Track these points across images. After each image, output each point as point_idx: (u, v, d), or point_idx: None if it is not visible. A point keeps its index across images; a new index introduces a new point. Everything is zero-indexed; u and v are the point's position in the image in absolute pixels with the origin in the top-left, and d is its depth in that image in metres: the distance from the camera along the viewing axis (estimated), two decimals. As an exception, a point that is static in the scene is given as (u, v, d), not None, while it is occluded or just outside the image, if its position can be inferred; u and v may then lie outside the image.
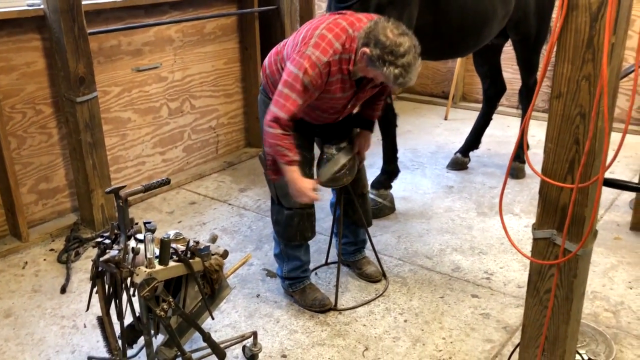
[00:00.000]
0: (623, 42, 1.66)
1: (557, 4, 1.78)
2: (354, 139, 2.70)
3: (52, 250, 3.36)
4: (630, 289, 2.90)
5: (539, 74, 4.16)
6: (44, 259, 3.26)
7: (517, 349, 2.09)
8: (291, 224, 2.65)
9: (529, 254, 1.90)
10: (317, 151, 2.73)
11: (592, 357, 2.40)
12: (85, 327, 2.69)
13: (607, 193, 3.76)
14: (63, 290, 2.96)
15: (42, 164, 3.52)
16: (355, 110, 2.71)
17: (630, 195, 3.71)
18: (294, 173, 2.39)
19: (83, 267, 3.16)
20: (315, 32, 2.31)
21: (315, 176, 2.67)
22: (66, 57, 3.20)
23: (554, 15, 3.97)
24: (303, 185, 2.41)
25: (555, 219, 1.78)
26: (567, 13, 1.58)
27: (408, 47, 2.21)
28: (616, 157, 1.58)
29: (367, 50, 2.22)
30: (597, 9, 1.53)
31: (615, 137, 1.54)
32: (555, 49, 1.65)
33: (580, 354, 2.33)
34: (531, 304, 1.94)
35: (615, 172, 4.11)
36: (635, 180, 3.65)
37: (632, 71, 2.06)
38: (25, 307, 2.84)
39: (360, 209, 2.86)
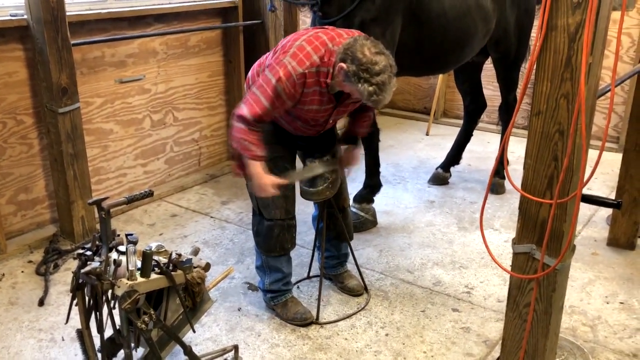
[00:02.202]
0: (600, 62, 1.71)
1: (536, 24, 1.83)
2: (341, 154, 2.71)
3: (30, 262, 3.31)
4: (607, 303, 2.94)
5: (519, 92, 4.24)
6: (22, 271, 3.22)
7: (497, 363, 2.11)
8: (271, 235, 2.66)
9: (509, 269, 1.93)
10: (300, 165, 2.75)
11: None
12: (63, 340, 2.65)
13: (584, 209, 3.83)
14: (41, 302, 2.92)
15: (22, 175, 3.48)
16: (340, 124, 2.74)
17: (607, 212, 3.78)
18: (257, 167, 2.41)
19: (62, 279, 3.12)
20: (295, 43, 2.37)
21: (297, 190, 2.68)
22: (49, 68, 3.19)
23: (534, 34, 4.07)
24: (265, 180, 2.42)
25: (534, 233, 1.82)
26: (547, 33, 1.63)
27: (384, 66, 2.25)
28: (593, 173, 1.62)
29: (344, 65, 2.27)
30: (575, 30, 1.58)
31: (592, 154, 1.58)
32: (534, 68, 1.69)
33: (558, 368, 2.37)
34: (511, 318, 1.97)
35: (592, 188, 4.19)
36: (612, 197, 3.72)
37: (609, 90, 2.11)
38: (1, 320, 2.79)
39: (343, 222, 2.88)
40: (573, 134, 1.65)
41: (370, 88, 2.24)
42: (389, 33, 3.16)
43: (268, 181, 2.42)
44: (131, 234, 2.05)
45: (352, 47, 2.27)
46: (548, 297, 1.85)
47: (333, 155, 2.70)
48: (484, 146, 5.23)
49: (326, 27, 2.52)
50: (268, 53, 2.60)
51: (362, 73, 2.23)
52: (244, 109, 2.35)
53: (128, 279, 1.95)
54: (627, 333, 2.71)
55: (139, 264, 2.01)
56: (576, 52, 1.60)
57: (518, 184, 1.82)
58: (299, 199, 2.70)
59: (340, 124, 3.00)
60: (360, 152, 2.77)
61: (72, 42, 3.29)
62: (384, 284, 3.11)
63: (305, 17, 5.14)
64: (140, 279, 1.97)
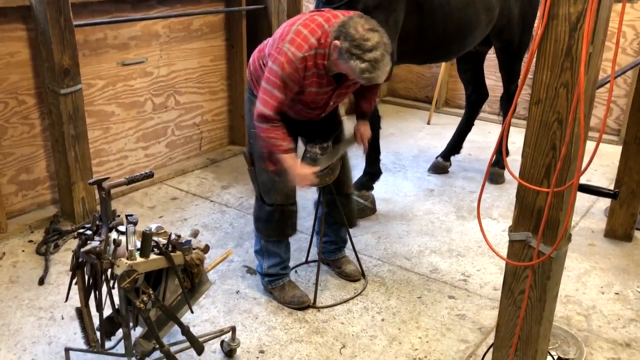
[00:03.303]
0: (600, 52, 1.71)
1: (539, 13, 1.83)
2: (354, 130, 2.75)
3: (31, 241, 3.33)
4: (602, 293, 2.97)
5: (519, 80, 4.23)
6: (23, 250, 3.24)
7: (491, 349, 2.13)
8: (271, 220, 2.67)
9: (506, 257, 1.95)
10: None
11: (562, 356, 2.46)
12: (62, 318, 2.68)
13: (583, 200, 3.84)
14: (41, 281, 2.94)
15: (24, 155, 3.49)
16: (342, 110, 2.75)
17: (605, 203, 3.80)
18: (291, 160, 2.45)
19: (62, 259, 3.15)
20: (292, 29, 2.38)
21: None
22: (51, 49, 3.19)
23: (536, 24, 4.06)
24: (302, 171, 2.47)
25: (530, 221, 1.83)
26: (548, 22, 1.63)
27: (376, 42, 2.23)
28: (591, 162, 1.63)
29: (337, 43, 2.27)
30: (576, 19, 1.58)
31: (592, 145, 1.59)
32: (535, 57, 1.70)
33: (551, 355, 2.39)
34: (505, 305, 1.98)
35: (592, 180, 4.20)
36: (611, 189, 3.73)
37: (608, 81, 2.12)
38: (1, 298, 2.82)
39: (345, 209, 2.88)
40: (572, 123, 1.66)
41: (363, 65, 2.23)
42: (392, 20, 3.15)
43: (306, 171, 2.47)
44: (131, 215, 2.07)
45: (345, 24, 2.27)
46: (542, 284, 1.87)
47: (334, 142, 2.71)
48: (484, 136, 5.23)
49: (323, 9, 2.52)
50: (268, 39, 2.60)
51: (354, 49, 2.22)
52: (261, 108, 2.38)
53: (127, 259, 1.97)
54: (620, 323, 2.74)
55: (139, 244, 2.03)
56: (577, 42, 1.60)
57: (517, 174, 1.83)
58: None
59: (342, 111, 3.01)
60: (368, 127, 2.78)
61: (75, 23, 3.28)
62: (382, 270, 3.14)
63: (308, 3, 5.13)
64: (139, 259, 1.99)
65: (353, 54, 2.23)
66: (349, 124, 2.87)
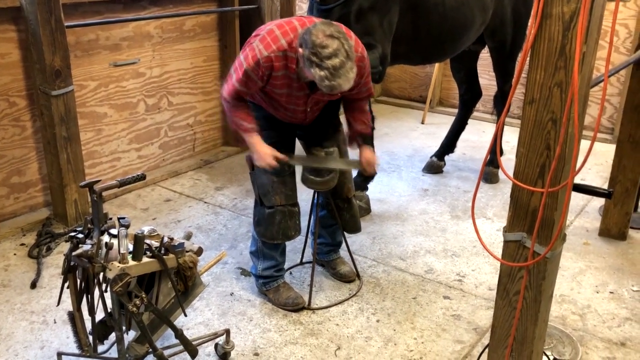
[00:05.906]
0: (594, 52, 1.71)
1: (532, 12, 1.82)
2: (360, 157, 2.68)
3: (22, 244, 3.30)
4: (597, 293, 2.97)
5: (513, 80, 4.23)
6: (14, 254, 3.21)
7: (486, 350, 2.13)
8: (272, 222, 2.64)
9: (500, 257, 1.94)
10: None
11: (557, 357, 2.45)
12: (55, 322, 2.65)
13: (577, 199, 3.84)
14: (33, 285, 2.92)
15: (15, 157, 3.46)
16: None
17: (599, 202, 3.80)
18: (252, 138, 2.51)
19: (54, 262, 3.12)
20: (267, 27, 2.42)
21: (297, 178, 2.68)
22: (42, 50, 3.16)
23: (530, 23, 4.06)
24: (263, 150, 2.49)
25: (525, 222, 1.82)
26: (541, 21, 1.62)
27: (335, 49, 2.20)
28: (585, 162, 1.62)
29: (300, 50, 2.27)
30: (570, 18, 1.58)
31: (586, 145, 1.58)
32: (529, 56, 1.69)
33: (546, 355, 2.39)
34: (500, 305, 1.98)
35: (586, 179, 4.20)
36: (606, 188, 3.74)
37: (602, 80, 2.11)
38: (-7, 302, 2.80)
39: (347, 214, 2.84)
40: (566, 123, 1.65)
41: (322, 72, 2.20)
42: (386, 21, 3.14)
43: (267, 150, 2.49)
44: (123, 217, 2.05)
45: (308, 31, 2.25)
46: (538, 285, 1.86)
47: (338, 147, 2.70)
48: (479, 135, 5.23)
49: (308, 16, 2.54)
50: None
51: (312, 57, 2.21)
52: (223, 90, 2.50)
53: (120, 262, 1.95)
54: (615, 322, 2.74)
55: (131, 247, 2.01)
56: (570, 41, 1.59)
57: (512, 173, 1.82)
58: (300, 187, 2.69)
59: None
60: (374, 151, 2.71)
61: (66, 24, 3.26)
62: (376, 270, 3.13)
63: (301, 3, 5.12)
64: (131, 262, 1.98)
65: (312, 61, 2.21)
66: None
